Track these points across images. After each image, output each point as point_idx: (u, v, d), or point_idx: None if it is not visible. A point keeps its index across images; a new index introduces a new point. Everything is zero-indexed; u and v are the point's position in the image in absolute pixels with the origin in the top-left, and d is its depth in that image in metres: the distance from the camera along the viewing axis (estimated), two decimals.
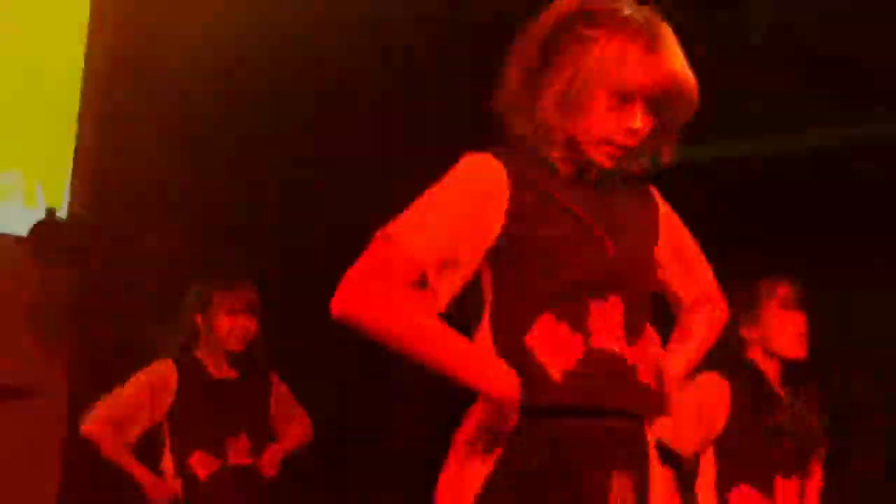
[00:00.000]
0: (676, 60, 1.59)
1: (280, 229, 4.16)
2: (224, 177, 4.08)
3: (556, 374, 1.59)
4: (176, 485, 3.32)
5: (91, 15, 4.09)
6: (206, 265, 3.56)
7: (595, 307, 1.62)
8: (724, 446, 2.71)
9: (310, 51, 3.97)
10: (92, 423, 3.21)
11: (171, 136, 4.01)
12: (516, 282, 1.62)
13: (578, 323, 1.61)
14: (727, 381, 2.70)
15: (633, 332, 1.67)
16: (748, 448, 2.75)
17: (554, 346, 1.60)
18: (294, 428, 3.48)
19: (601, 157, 1.63)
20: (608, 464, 1.65)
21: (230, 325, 3.21)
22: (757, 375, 2.76)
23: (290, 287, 3.93)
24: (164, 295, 3.38)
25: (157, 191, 4.06)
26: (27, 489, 4.10)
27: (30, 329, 4.04)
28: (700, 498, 2.74)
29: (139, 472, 3.24)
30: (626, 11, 1.60)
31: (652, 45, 1.58)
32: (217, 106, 3.94)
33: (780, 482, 2.77)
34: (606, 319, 1.64)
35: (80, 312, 4.15)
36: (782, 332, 2.72)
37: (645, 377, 1.67)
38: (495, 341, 1.61)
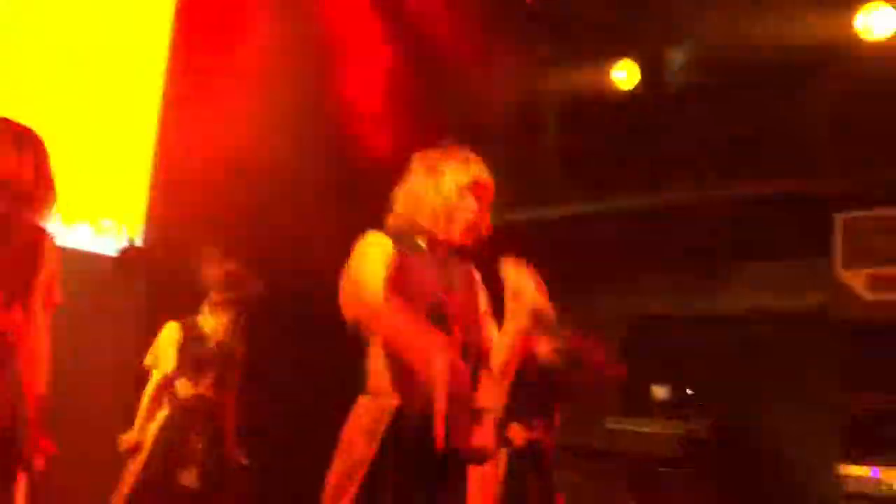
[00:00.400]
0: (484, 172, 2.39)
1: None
2: (252, 227, 5.53)
3: (425, 378, 2.06)
4: (136, 441, 4.23)
5: (160, 124, 5.67)
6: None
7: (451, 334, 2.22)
8: None
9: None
10: (147, 360, 4.35)
11: (211, 198, 5.46)
12: None
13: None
14: None
15: (467, 355, 2.26)
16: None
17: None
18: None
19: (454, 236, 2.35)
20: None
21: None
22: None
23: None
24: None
25: (203, 229, 5.26)
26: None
27: (116, 318, 5.40)
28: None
29: (137, 419, 4.27)
30: (460, 160, 2.38)
31: (474, 172, 2.39)
32: (240, 181, 5.53)
33: (535, 420, 3.97)
34: (453, 342, 2.18)
35: (150, 307, 5.44)
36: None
37: (468, 381, 2.23)
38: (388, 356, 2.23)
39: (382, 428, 2.18)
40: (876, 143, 5.04)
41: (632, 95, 5.64)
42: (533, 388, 3.96)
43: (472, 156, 2.43)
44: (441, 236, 2.37)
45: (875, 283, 4.86)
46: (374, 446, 2.17)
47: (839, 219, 4.99)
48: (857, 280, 4.87)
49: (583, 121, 5.77)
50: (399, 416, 2.19)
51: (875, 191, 5.06)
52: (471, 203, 2.36)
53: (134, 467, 4.22)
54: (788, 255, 5.93)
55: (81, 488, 5.36)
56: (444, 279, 2.34)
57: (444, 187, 2.35)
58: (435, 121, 5.12)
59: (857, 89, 5.01)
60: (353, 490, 2.15)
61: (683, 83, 5.60)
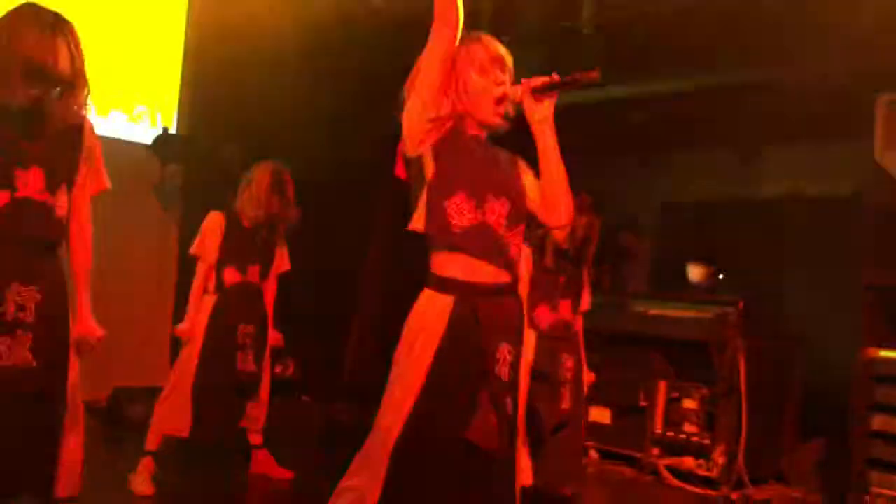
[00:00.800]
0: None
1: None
2: (276, 113, 5.58)
3: (455, 227, 2.29)
4: (191, 331, 4.29)
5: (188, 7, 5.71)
6: None
7: (491, 199, 2.34)
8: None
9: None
10: (194, 249, 4.37)
11: (242, 84, 5.57)
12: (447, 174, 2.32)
13: (481, 206, 2.31)
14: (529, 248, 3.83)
15: (511, 225, 2.36)
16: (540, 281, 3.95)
17: (460, 211, 2.30)
18: (282, 263, 4.55)
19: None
20: (493, 329, 2.30)
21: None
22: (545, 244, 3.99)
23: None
24: (236, 182, 4.53)
25: (234, 117, 5.58)
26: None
27: (152, 202, 5.72)
28: None
29: (190, 308, 4.35)
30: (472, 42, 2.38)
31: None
32: (273, 64, 5.52)
33: (561, 302, 4.02)
34: (496, 209, 2.34)
35: (184, 191, 5.72)
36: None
37: (513, 253, 2.35)
38: (429, 201, 2.30)
39: (445, 320, 2.28)
40: None
41: None
42: (553, 272, 4.06)
43: (484, 35, 2.43)
44: (476, 119, 2.40)
45: None
46: (438, 338, 2.27)
47: (881, 100, 4.85)
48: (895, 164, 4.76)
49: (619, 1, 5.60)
50: (455, 309, 2.29)
51: None
52: (496, 77, 2.38)
53: (189, 354, 4.33)
54: (826, 139, 5.83)
55: (128, 371, 5.73)
56: (486, 156, 2.41)
57: (462, 74, 2.36)
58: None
59: None
60: (420, 378, 2.25)
61: None
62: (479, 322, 2.26)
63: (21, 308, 2.52)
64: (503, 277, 2.33)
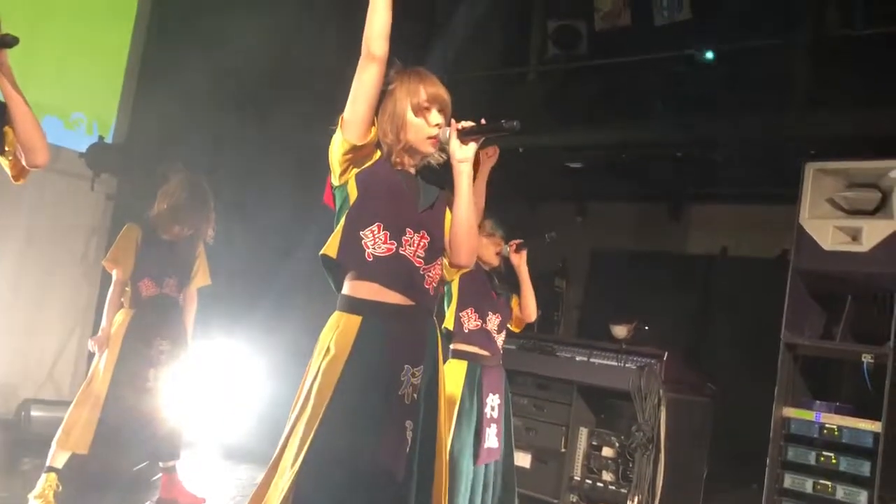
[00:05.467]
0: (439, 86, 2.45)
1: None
2: (217, 135, 5.61)
3: (368, 256, 2.34)
4: (104, 343, 4.22)
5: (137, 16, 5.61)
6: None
7: (409, 232, 2.39)
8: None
9: None
10: (108, 261, 4.37)
11: (180, 99, 5.46)
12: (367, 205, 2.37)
13: (397, 238, 2.36)
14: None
15: (430, 258, 2.42)
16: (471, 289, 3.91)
17: (374, 241, 2.36)
18: (202, 278, 4.54)
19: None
20: (402, 340, 2.32)
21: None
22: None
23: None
24: None
25: (168, 129, 5.52)
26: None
27: (84, 210, 5.61)
28: None
29: (105, 320, 4.32)
30: (413, 80, 2.44)
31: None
32: (219, 85, 5.50)
33: (490, 314, 4.01)
34: (414, 242, 2.39)
35: (117, 201, 5.63)
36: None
37: (428, 284, 2.42)
38: (345, 229, 2.36)
39: (352, 339, 2.31)
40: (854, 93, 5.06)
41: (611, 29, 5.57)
42: (482, 290, 4.01)
43: (426, 72, 2.49)
44: (407, 157, 2.46)
45: (837, 234, 4.91)
46: (347, 352, 2.30)
47: (809, 167, 5.01)
48: (820, 230, 4.91)
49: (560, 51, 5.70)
50: (363, 328, 2.32)
51: (849, 141, 5.07)
52: (432, 118, 2.44)
53: (101, 369, 4.23)
54: (757, 200, 5.99)
55: (40, 383, 5.53)
56: (411, 190, 2.45)
57: (399, 109, 2.42)
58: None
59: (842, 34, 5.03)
60: (325, 398, 2.27)
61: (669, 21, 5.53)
62: (385, 341, 2.30)
63: None
64: (413, 302, 2.38)
